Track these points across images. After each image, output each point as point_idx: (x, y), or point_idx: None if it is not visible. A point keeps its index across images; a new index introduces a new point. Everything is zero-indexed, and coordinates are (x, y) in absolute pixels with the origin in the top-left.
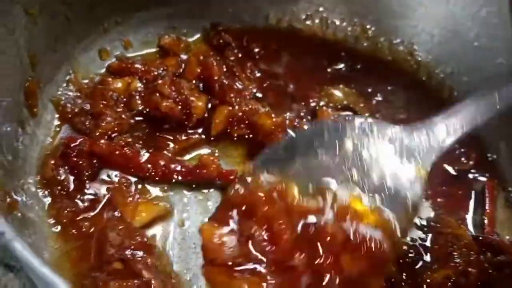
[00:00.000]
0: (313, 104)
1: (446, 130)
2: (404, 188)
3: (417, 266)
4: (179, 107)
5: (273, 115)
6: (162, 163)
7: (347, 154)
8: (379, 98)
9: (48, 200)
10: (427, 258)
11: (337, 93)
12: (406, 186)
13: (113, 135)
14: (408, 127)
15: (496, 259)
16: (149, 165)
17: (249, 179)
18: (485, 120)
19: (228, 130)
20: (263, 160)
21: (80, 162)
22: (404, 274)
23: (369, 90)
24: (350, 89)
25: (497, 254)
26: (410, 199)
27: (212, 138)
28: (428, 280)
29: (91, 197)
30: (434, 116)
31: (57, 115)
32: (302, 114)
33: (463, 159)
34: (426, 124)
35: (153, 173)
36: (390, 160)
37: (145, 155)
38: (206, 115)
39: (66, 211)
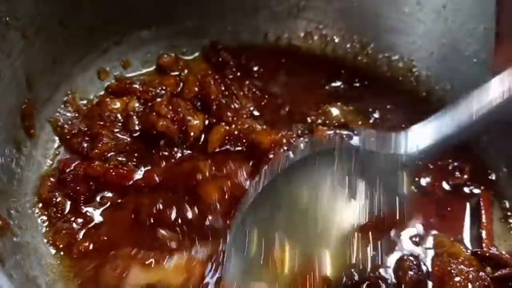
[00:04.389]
0: (310, 122)
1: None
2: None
3: None
4: (176, 126)
5: (270, 132)
6: (157, 179)
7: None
8: (377, 116)
9: (44, 223)
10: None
11: (335, 111)
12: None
13: (108, 155)
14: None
15: (498, 273)
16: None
17: None
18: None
19: (225, 148)
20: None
21: (78, 188)
22: None
23: (367, 107)
24: (348, 107)
25: (498, 268)
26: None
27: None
28: None
29: (87, 219)
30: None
31: (55, 137)
32: (299, 132)
33: (456, 173)
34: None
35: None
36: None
37: (140, 173)
38: (203, 134)
39: (62, 234)
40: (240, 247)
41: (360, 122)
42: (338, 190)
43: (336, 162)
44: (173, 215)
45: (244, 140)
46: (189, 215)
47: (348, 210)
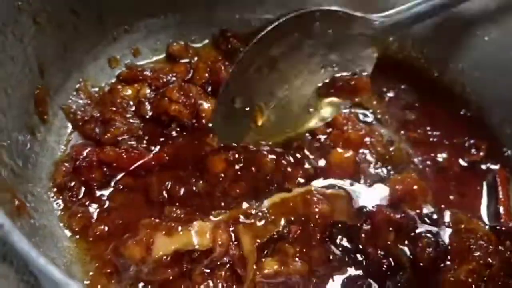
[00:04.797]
0: None
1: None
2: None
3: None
4: (188, 110)
5: None
6: (167, 158)
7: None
8: (391, 95)
9: (59, 206)
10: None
11: None
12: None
13: (120, 139)
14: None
15: None
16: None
17: None
18: None
19: None
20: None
21: (93, 176)
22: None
23: (381, 87)
24: None
25: None
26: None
27: None
28: (452, 279)
29: (101, 202)
30: None
31: (68, 123)
32: None
33: (473, 150)
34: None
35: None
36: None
37: (151, 154)
38: None
39: (77, 217)
40: (228, 103)
41: (374, 102)
42: (312, 54)
43: (313, 27)
44: (182, 191)
45: None
46: (199, 188)
47: (318, 75)
